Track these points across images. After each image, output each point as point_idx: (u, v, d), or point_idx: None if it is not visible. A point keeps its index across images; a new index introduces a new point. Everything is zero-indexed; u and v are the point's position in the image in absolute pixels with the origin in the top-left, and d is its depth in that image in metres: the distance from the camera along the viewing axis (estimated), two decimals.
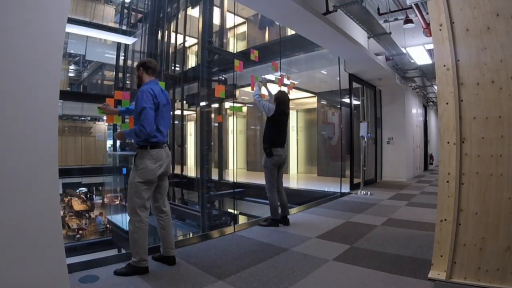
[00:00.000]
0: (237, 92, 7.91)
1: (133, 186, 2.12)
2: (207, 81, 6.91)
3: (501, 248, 1.84)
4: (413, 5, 3.97)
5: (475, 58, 1.96)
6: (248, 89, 4.64)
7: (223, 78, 7.19)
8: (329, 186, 6.56)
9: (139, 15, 8.55)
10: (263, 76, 3.77)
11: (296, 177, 9.32)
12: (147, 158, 2.12)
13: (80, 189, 11.12)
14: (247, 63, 5.12)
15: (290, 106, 3.90)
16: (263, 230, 3.29)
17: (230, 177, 7.72)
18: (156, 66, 2.34)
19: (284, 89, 4.81)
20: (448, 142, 2.03)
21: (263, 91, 3.76)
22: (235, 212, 6.76)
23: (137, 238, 2.10)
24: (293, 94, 8.38)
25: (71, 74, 11.76)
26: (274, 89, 3.94)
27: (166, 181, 2.34)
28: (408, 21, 4.84)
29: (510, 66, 1.85)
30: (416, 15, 4.55)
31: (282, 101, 3.51)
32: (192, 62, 8.63)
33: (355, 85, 6.73)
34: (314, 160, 9.39)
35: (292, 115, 9.90)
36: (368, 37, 5.21)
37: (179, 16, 7.28)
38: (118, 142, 7.49)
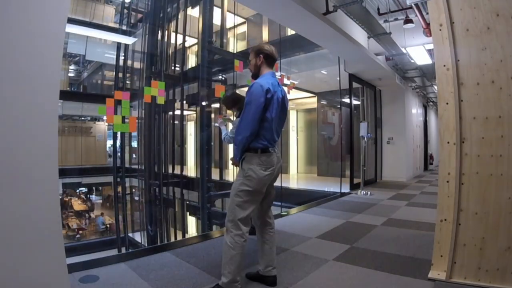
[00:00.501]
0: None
1: (238, 194, 1.85)
2: (207, 81, 6.91)
3: (501, 248, 1.84)
4: (413, 5, 3.97)
5: (475, 58, 1.96)
6: None
7: (223, 78, 7.18)
8: (329, 186, 6.56)
9: (139, 15, 8.54)
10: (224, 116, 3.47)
11: (296, 177, 9.32)
12: (257, 163, 1.84)
13: (80, 189, 11.12)
14: (247, 63, 5.11)
15: (290, 106, 3.97)
16: None
17: (230, 177, 7.71)
18: (276, 54, 2.00)
19: (284, 89, 4.83)
20: (448, 142, 2.03)
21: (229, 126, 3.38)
22: None
23: (234, 255, 1.80)
24: (293, 94, 8.37)
25: (71, 74, 11.75)
26: None
27: (274, 189, 2.07)
28: (408, 21, 4.83)
29: (510, 66, 1.85)
30: (416, 15, 4.54)
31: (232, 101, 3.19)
32: (192, 62, 8.63)
33: (355, 85, 6.73)
34: (314, 160, 9.39)
35: (292, 115, 9.90)
36: (368, 37, 5.21)
37: (179, 16, 7.28)
38: (118, 142, 7.49)
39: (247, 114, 1.80)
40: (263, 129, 1.85)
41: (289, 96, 4.17)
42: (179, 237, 6.55)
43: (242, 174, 1.86)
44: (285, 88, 4.80)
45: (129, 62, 7.23)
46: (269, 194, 2.01)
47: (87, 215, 10.27)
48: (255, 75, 2.01)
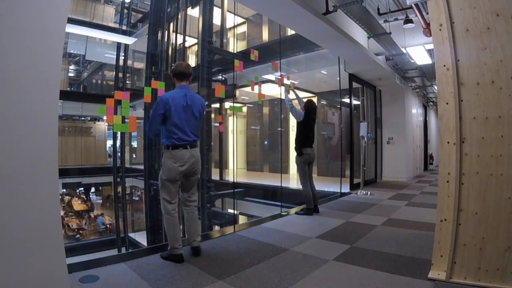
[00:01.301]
0: (237, 92, 7.91)
1: (159, 182, 2.39)
2: (207, 81, 6.90)
3: (501, 248, 1.84)
4: (413, 5, 3.97)
5: (475, 58, 1.96)
6: (248, 89, 4.65)
7: (223, 78, 7.18)
8: (329, 186, 6.55)
9: (139, 15, 8.55)
10: (288, 84, 4.31)
11: (296, 177, 9.30)
12: (168, 157, 2.33)
13: (80, 189, 11.12)
14: (247, 63, 5.12)
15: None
16: (262, 230, 3.29)
17: (230, 177, 7.72)
18: (186, 69, 2.46)
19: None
20: (448, 142, 2.03)
21: (292, 95, 4.22)
22: (235, 212, 6.76)
23: (167, 228, 2.37)
24: (293, 94, 8.35)
25: (71, 74, 11.74)
26: (274, 88, 4.03)
27: (192, 180, 2.49)
28: (408, 21, 4.84)
29: (510, 66, 1.85)
30: (416, 15, 4.54)
31: (310, 109, 4.03)
32: (192, 62, 8.63)
33: (355, 85, 6.73)
34: (314, 160, 9.38)
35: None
36: (368, 37, 5.21)
37: (179, 16, 7.28)
38: (118, 142, 7.49)
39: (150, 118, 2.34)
40: (170, 130, 2.32)
41: (289, 96, 4.22)
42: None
43: (161, 166, 2.39)
44: (287, 95, 4.81)
45: (129, 62, 7.23)
46: (188, 184, 2.48)
47: (87, 215, 10.26)
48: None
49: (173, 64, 6.79)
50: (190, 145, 2.38)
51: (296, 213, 4.04)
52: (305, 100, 4.26)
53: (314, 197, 4.03)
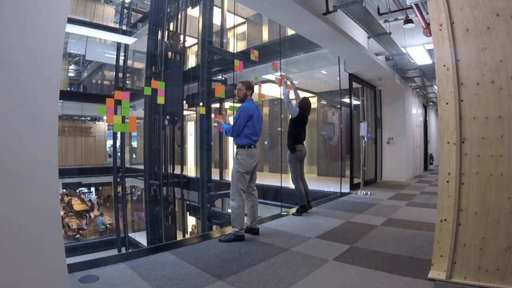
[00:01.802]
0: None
1: (237, 174, 2.90)
2: (207, 81, 6.90)
3: (501, 248, 1.84)
4: (413, 5, 3.96)
5: (475, 58, 1.96)
6: None
7: (223, 78, 7.19)
8: (329, 186, 6.55)
9: (139, 15, 8.56)
10: (288, 76, 4.38)
11: None
12: (246, 154, 2.91)
13: (80, 189, 11.12)
14: (247, 63, 5.12)
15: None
16: (262, 230, 3.28)
17: (229, 177, 7.71)
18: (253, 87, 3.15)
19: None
20: (448, 142, 2.03)
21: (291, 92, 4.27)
22: None
23: (240, 213, 2.86)
24: (293, 94, 8.37)
25: (71, 74, 11.74)
26: (274, 88, 4.04)
27: (255, 172, 3.09)
28: (408, 21, 4.83)
29: (510, 66, 1.85)
30: (416, 15, 4.54)
31: (305, 107, 4.11)
32: (192, 62, 8.63)
33: (355, 85, 6.73)
34: (314, 160, 9.38)
35: None
36: (368, 37, 5.21)
37: (179, 16, 7.28)
38: (118, 142, 7.49)
39: (237, 122, 2.94)
40: (250, 133, 2.94)
41: (287, 90, 4.29)
42: (179, 237, 6.55)
43: (237, 162, 2.94)
44: (285, 89, 4.83)
45: (129, 62, 7.23)
46: (253, 176, 3.08)
47: (87, 215, 10.26)
48: (242, 100, 3.07)
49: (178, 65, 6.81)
50: (255, 145, 3.00)
51: (293, 214, 4.02)
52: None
53: (306, 193, 4.07)
